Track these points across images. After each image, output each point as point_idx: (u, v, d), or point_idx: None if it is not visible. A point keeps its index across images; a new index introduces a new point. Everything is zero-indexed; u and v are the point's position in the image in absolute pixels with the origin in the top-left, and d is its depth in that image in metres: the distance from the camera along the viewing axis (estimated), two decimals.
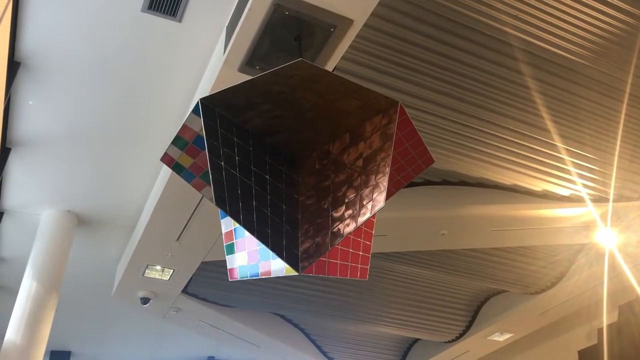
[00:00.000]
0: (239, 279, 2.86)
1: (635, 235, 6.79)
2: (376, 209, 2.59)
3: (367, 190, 2.49)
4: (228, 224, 2.86)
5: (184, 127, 2.62)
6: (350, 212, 2.46)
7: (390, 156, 2.51)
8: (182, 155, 2.70)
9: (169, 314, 8.43)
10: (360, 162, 2.40)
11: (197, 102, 2.45)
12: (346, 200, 2.42)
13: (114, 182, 6.38)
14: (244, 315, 8.96)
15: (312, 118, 2.36)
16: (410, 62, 4.66)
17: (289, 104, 2.45)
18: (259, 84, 2.50)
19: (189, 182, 2.78)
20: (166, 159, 2.72)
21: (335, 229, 2.44)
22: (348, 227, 2.50)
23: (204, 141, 2.54)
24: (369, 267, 2.87)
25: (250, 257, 2.78)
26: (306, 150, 2.23)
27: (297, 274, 2.38)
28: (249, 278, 2.80)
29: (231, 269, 2.88)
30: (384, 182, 2.55)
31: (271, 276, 2.68)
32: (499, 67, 4.76)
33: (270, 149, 2.25)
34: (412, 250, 7.10)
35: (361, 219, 2.55)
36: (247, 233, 2.75)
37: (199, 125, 2.54)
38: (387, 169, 2.52)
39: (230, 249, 2.87)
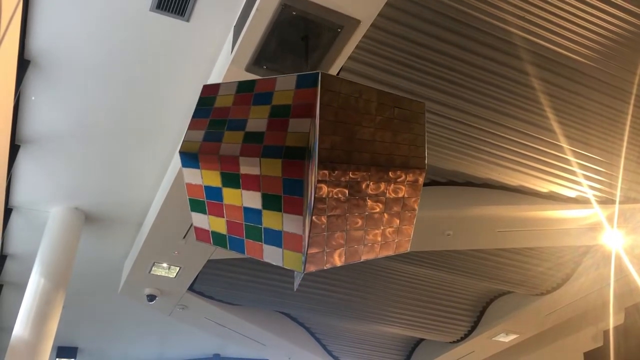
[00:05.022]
0: (211, 244, 2.74)
1: None
2: (399, 250, 2.67)
3: (390, 230, 2.56)
4: (195, 176, 2.67)
5: (270, 80, 2.47)
6: (370, 240, 2.53)
7: (416, 210, 2.60)
8: (228, 96, 2.54)
9: (175, 312, 8.47)
10: (383, 199, 2.46)
11: (317, 73, 2.38)
12: (366, 228, 2.47)
13: (122, 179, 6.43)
14: (250, 313, 8.99)
15: (360, 140, 2.40)
16: (417, 63, 4.67)
17: (366, 122, 2.45)
18: (367, 95, 2.49)
19: (196, 116, 2.60)
20: (209, 89, 2.55)
21: (353, 249, 2.49)
22: (368, 254, 2.57)
23: (264, 99, 2.46)
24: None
25: (231, 227, 2.67)
26: (325, 158, 2.27)
27: (300, 271, 2.41)
28: (227, 250, 2.69)
29: (200, 230, 2.74)
30: (408, 230, 2.62)
31: (263, 260, 2.60)
32: (506, 68, 4.76)
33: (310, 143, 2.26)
34: (418, 250, 7.10)
35: (383, 253, 2.62)
36: (225, 199, 2.65)
37: (283, 88, 2.46)
38: (413, 220, 2.59)
39: (199, 207, 2.71)
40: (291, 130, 2.51)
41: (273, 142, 2.55)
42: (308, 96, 2.46)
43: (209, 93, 2.55)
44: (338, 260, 2.47)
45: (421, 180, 2.54)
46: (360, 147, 2.37)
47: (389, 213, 2.51)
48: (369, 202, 2.42)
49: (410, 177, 2.49)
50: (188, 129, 2.62)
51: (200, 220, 2.72)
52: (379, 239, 2.54)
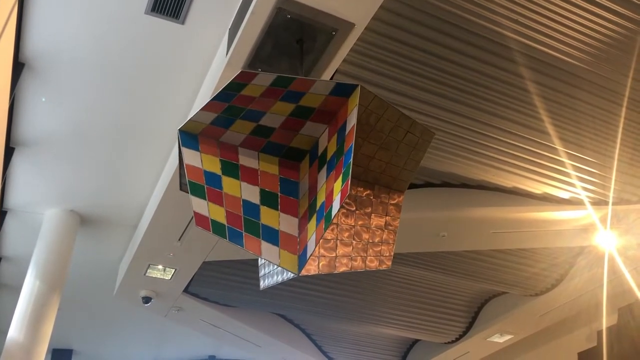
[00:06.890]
0: (211, 232, 2.67)
1: (634, 238, 6.81)
2: (382, 266, 2.76)
3: (374, 246, 2.62)
4: (195, 158, 2.57)
5: (309, 81, 2.45)
6: (357, 254, 2.59)
7: (397, 228, 2.71)
8: (259, 87, 2.48)
9: (171, 313, 8.47)
10: (369, 214, 2.52)
11: (356, 85, 2.40)
12: (353, 241, 2.53)
13: (117, 182, 6.43)
14: (245, 314, 9.00)
15: (361, 154, 2.47)
16: (411, 65, 4.69)
17: (374, 139, 2.51)
18: (389, 115, 2.53)
19: (216, 99, 2.52)
20: (245, 76, 2.48)
21: (344, 259, 2.55)
22: (355, 265, 2.65)
23: (293, 98, 2.45)
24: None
25: (230, 218, 2.61)
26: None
27: (294, 272, 2.43)
28: (226, 240, 2.64)
29: (200, 216, 2.67)
30: (390, 249, 2.68)
31: (261, 256, 2.56)
32: (500, 71, 4.79)
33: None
34: (413, 251, 7.13)
35: (369, 266, 2.71)
36: (225, 188, 2.58)
37: (317, 91, 2.46)
38: (394, 237, 2.66)
39: (199, 191, 2.64)
40: (303, 132, 2.51)
41: (279, 140, 2.53)
42: (335, 104, 2.44)
43: (242, 79, 2.48)
44: (328, 269, 2.51)
45: (401, 201, 2.61)
46: (358, 161, 2.42)
47: (373, 228, 2.58)
48: (357, 214, 2.48)
49: (391, 198, 2.56)
50: (201, 109, 2.54)
51: (200, 205, 2.67)
52: (364, 253, 2.60)
